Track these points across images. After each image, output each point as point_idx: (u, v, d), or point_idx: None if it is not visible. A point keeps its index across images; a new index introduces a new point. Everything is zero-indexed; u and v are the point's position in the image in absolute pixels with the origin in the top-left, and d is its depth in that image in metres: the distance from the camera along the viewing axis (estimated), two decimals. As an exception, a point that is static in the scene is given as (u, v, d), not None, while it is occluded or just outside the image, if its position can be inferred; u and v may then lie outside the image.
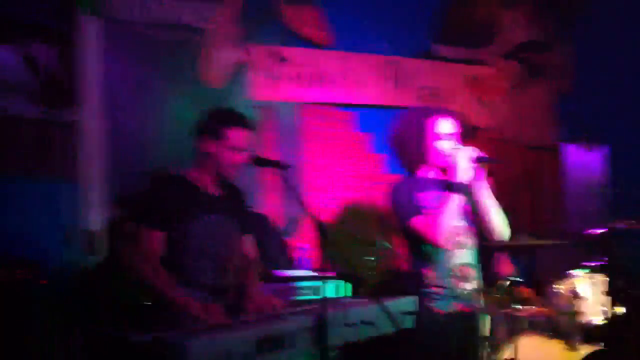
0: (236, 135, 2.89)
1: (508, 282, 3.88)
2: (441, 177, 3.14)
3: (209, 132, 2.90)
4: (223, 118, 2.93)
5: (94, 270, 4.00)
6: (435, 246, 2.99)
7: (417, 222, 2.96)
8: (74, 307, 3.89)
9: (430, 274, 3.04)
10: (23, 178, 3.95)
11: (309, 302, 3.37)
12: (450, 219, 2.95)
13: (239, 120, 2.93)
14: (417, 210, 2.98)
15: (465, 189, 3.00)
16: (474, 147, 3.05)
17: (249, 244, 3.12)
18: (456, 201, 2.96)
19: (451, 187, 2.98)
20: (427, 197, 3.06)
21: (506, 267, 4.40)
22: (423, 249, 3.04)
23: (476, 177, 3.08)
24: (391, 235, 4.44)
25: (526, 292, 3.96)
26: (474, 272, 3.14)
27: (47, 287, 3.66)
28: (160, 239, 2.82)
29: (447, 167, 3.04)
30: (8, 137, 3.94)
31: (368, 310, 2.71)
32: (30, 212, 3.89)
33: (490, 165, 3.15)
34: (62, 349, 3.84)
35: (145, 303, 3.45)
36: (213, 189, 2.96)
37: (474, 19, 5.88)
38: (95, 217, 4.13)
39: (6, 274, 3.47)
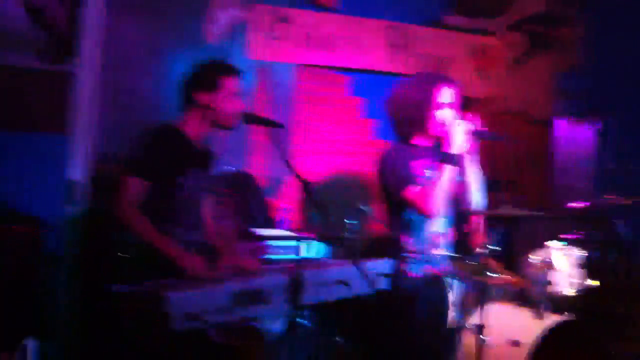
0: (233, 83, 2.95)
1: (482, 251, 3.99)
2: (431, 145, 3.21)
3: (204, 84, 2.94)
4: (219, 68, 2.99)
5: (76, 220, 4.09)
6: (426, 216, 3.08)
7: (411, 193, 3.03)
8: (70, 260, 4.00)
9: (408, 240, 3.15)
10: (17, 130, 3.97)
11: (286, 261, 3.49)
12: (443, 191, 3.03)
13: (233, 69, 3.00)
14: (411, 179, 3.06)
15: (459, 162, 3.07)
16: (472, 120, 3.11)
17: (209, 204, 3.16)
18: (450, 173, 3.03)
19: (447, 158, 3.04)
20: (420, 166, 3.14)
21: (480, 236, 4.51)
22: (405, 217, 3.13)
23: (469, 150, 3.15)
24: (372, 200, 4.52)
25: (494, 263, 4.07)
26: (447, 239, 3.26)
27: (45, 241, 3.71)
28: (141, 187, 2.83)
29: (444, 137, 3.09)
30: (5, 88, 3.97)
31: (344, 270, 2.82)
32: (24, 165, 3.89)
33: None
34: (62, 302, 3.96)
35: (123, 255, 3.55)
36: (198, 143, 3.00)
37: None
38: (81, 168, 4.18)
39: (4, 228, 3.50)
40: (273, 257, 4.03)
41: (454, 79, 5.40)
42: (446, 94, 3.14)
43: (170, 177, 2.89)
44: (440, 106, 3.12)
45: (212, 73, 2.96)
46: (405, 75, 5.08)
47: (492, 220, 4.33)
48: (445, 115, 3.12)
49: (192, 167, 2.96)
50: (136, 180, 2.83)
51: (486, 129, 3.13)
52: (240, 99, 2.98)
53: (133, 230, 2.82)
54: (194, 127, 2.97)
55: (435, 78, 3.19)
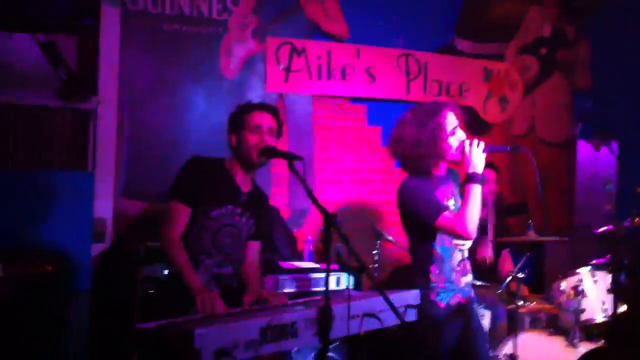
0: (254, 117, 3.02)
1: (511, 279, 3.93)
2: (445, 173, 3.19)
3: (233, 128, 3.06)
4: (242, 108, 3.09)
5: (102, 258, 4.08)
6: (465, 239, 3.05)
7: (446, 219, 2.99)
8: (94, 298, 3.99)
9: (437, 270, 3.10)
10: (41, 169, 4.00)
11: (314, 293, 3.45)
12: (477, 210, 3.00)
13: (255, 105, 3.09)
14: (443, 207, 3.02)
15: (483, 179, 3.04)
16: (481, 140, 3.09)
17: (256, 248, 3.21)
18: (478, 191, 3.00)
19: (472, 178, 3.01)
20: (443, 194, 3.12)
21: (508, 264, 4.46)
22: (432, 247, 3.09)
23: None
24: (392, 230, 4.49)
25: (525, 290, 4.01)
26: (470, 266, 3.21)
27: (71, 279, 3.72)
28: (187, 213, 2.94)
29: (462, 160, 3.07)
30: (26, 128, 4.00)
31: (372, 302, 2.77)
32: (51, 203, 3.92)
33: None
34: (85, 340, 3.94)
35: (149, 291, 3.53)
36: (243, 183, 3.08)
37: (498, 13, 5.87)
38: (106, 205, 4.20)
39: (34, 266, 3.51)
40: (298, 290, 4.00)
41: (468, 104, 5.51)
42: (452, 118, 3.12)
43: (206, 207, 2.96)
44: (451, 133, 3.10)
45: (237, 114, 3.08)
46: (415, 102, 5.16)
47: (518, 246, 4.29)
48: (458, 138, 3.10)
49: (229, 203, 3.01)
50: (182, 205, 2.94)
51: (494, 142, 3.10)
52: (263, 132, 3.00)
53: (170, 258, 2.89)
54: (236, 169, 3.07)
55: (437, 108, 3.15)
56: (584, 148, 6.22)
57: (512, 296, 3.86)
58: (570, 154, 6.20)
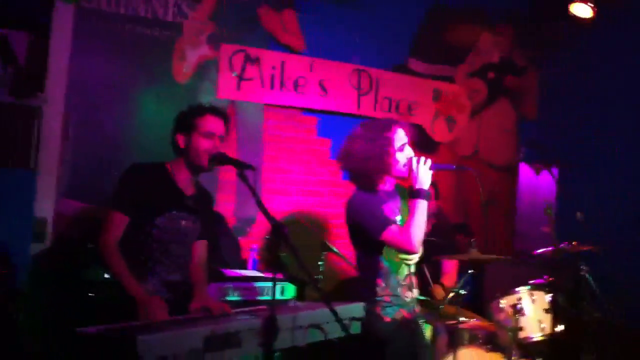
0: (207, 122, 2.97)
1: (452, 295, 3.99)
2: (393, 188, 3.23)
3: (182, 127, 3.00)
4: (194, 110, 3.03)
5: (42, 257, 3.97)
6: (409, 253, 3.07)
7: (392, 233, 3.02)
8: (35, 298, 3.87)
9: (382, 284, 3.12)
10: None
11: (258, 302, 3.43)
12: (422, 225, 3.03)
13: (209, 108, 3.03)
14: (389, 221, 3.05)
15: (428, 195, 3.08)
16: (427, 157, 3.14)
17: (204, 249, 3.18)
18: (424, 207, 3.04)
19: (417, 193, 3.05)
20: (390, 209, 3.15)
21: (450, 279, 4.53)
22: (379, 261, 3.11)
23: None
24: (338, 243, 4.50)
25: (464, 308, 4.06)
26: (416, 281, 3.25)
27: (11, 278, 3.61)
28: (124, 222, 2.88)
29: (409, 176, 3.11)
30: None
31: (317, 314, 2.77)
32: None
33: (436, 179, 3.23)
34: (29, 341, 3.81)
35: (89, 294, 3.45)
36: (187, 187, 3.03)
37: (452, 37, 5.99)
38: (47, 204, 4.08)
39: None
40: (242, 298, 3.97)
41: (417, 122, 5.60)
42: (401, 135, 3.17)
43: (149, 216, 2.91)
44: (399, 149, 3.14)
45: (188, 115, 3.02)
46: (366, 117, 5.21)
47: (462, 264, 4.37)
48: (406, 155, 3.15)
49: (172, 209, 2.97)
50: (119, 214, 2.88)
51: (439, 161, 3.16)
52: (215, 139, 2.97)
53: (107, 265, 2.84)
54: (179, 170, 3.01)
55: (387, 124, 3.19)
56: (525, 172, 6.40)
57: (454, 313, 3.91)
58: (513, 178, 6.37)
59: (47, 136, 4.08)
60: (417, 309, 3.28)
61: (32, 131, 4.00)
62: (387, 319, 3.11)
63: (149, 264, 2.92)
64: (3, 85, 3.89)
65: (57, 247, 4.03)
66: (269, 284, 4.08)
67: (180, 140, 2.98)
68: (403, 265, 3.17)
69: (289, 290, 4.20)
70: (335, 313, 2.61)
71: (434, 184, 4.61)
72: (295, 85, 5.16)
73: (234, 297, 4.05)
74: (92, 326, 2.36)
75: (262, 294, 4.00)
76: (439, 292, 4.52)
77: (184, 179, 3.02)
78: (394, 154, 3.12)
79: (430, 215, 4.62)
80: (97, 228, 2.91)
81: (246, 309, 2.97)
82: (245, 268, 4.52)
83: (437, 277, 4.61)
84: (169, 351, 2.23)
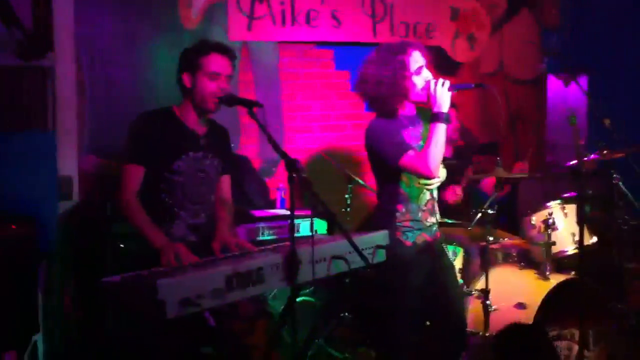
0: (212, 61, 2.88)
1: (480, 215, 3.96)
2: (415, 113, 3.16)
3: (187, 66, 2.91)
4: (197, 48, 2.93)
5: (70, 216, 4.04)
6: (427, 178, 3.02)
7: (410, 157, 2.96)
8: (64, 257, 3.96)
9: (403, 210, 3.11)
10: (1, 129, 3.91)
11: (282, 240, 3.45)
12: (441, 149, 2.97)
13: (212, 46, 2.92)
14: (407, 146, 3.00)
15: (448, 118, 3.01)
16: (449, 78, 3.06)
17: (226, 185, 3.16)
18: (443, 130, 2.97)
19: (437, 117, 2.97)
20: (410, 134, 3.09)
21: (452, 195, 4.46)
22: (399, 187, 3.09)
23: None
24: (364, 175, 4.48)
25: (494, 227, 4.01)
26: (436, 205, 3.22)
27: (38, 239, 3.65)
28: (141, 173, 2.86)
29: (428, 99, 3.03)
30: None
31: (339, 245, 2.77)
32: (13, 164, 3.84)
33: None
34: (56, 301, 3.92)
35: (121, 246, 3.51)
36: (197, 126, 2.98)
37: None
38: (71, 163, 4.12)
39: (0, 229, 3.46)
40: (276, 237, 4.00)
41: (436, 44, 5.45)
42: (417, 57, 3.08)
43: (165, 162, 2.88)
44: (416, 72, 3.06)
45: (193, 54, 2.92)
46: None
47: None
48: (423, 78, 3.06)
49: (188, 151, 2.93)
50: (133, 166, 2.86)
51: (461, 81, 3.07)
52: (221, 79, 2.90)
53: (129, 219, 2.83)
54: (187, 112, 2.95)
55: (401, 46, 3.10)
56: (553, 84, 6.22)
57: (484, 233, 3.89)
58: (540, 90, 6.20)
59: (61, 95, 4.08)
60: (439, 232, 3.26)
61: (46, 92, 4.01)
62: (408, 243, 3.10)
63: (173, 210, 2.91)
64: (10, 49, 3.88)
65: (84, 204, 4.09)
66: (299, 220, 4.09)
67: (186, 79, 2.90)
68: (424, 190, 3.13)
69: (320, 226, 4.21)
70: (352, 242, 2.61)
71: (453, 105, 4.55)
72: (307, 18, 5.04)
73: (266, 236, 4.09)
74: (117, 275, 2.41)
75: (294, 232, 4.02)
76: (451, 195, 4.44)
77: (193, 120, 2.96)
78: (410, 77, 3.04)
79: (454, 138, 4.56)
80: (116, 185, 2.90)
81: (269, 246, 2.99)
82: (273, 208, 4.54)
83: None
84: (191, 292, 2.26)
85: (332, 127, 5.21)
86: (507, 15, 6.02)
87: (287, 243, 2.66)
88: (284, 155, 2.59)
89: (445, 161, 3.14)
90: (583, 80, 5.94)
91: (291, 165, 2.54)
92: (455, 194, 4.42)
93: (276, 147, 2.63)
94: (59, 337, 3.89)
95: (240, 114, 4.63)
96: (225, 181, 3.16)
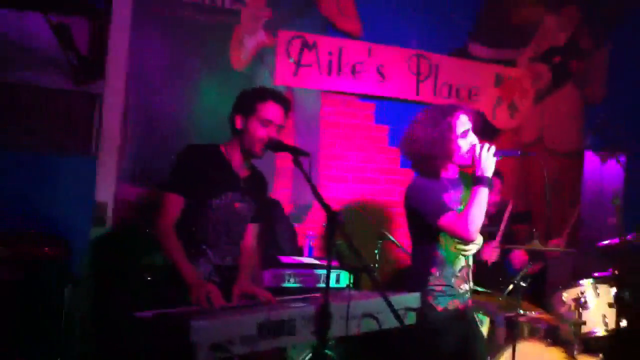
0: (266, 108, 2.93)
1: (513, 287, 3.89)
2: (457, 176, 3.16)
3: (241, 109, 2.97)
4: (255, 93, 2.99)
5: (101, 242, 4.06)
6: (465, 241, 3.00)
7: (449, 218, 2.95)
8: (93, 283, 3.96)
9: (437, 273, 3.07)
10: (45, 152, 3.97)
11: (313, 290, 3.41)
12: (481, 213, 2.95)
13: (270, 94, 2.98)
14: (447, 208, 2.98)
15: (490, 183, 3.00)
16: (492, 143, 3.05)
17: (255, 232, 3.18)
18: (485, 194, 2.96)
19: (478, 180, 2.97)
20: (451, 198, 3.08)
21: (489, 253, 4.38)
22: (435, 250, 3.06)
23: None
24: (395, 232, 4.44)
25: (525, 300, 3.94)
26: (471, 273, 3.18)
27: (70, 262, 3.68)
28: (180, 204, 2.88)
29: (472, 163, 3.03)
30: (32, 109, 3.97)
31: (372, 303, 2.74)
32: (52, 187, 3.90)
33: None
34: (83, 325, 3.91)
35: (148, 278, 3.49)
36: (241, 169, 3.02)
37: (514, 19, 5.82)
38: (108, 189, 4.16)
39: (34, 249, 3.48)
40: (300, 285, 3.97)
41: (477, 108, 5.47)
42: (464, 121, 3.08)
43: (203, 196, 2.90)
44: (462, 135, 3.06)
45: (250, 98, 2.98)
46: (425, 103, 5.12)
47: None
48: (469, 141, 3.06)
49: (228, 190, 2.95)
50: (175, 196, 2.88)
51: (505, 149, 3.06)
52: (272, 127, 2.94)
53: (163, 248, 2.84)
54: (233, 152, 2.99)
55: (449, 109, 3.12)
56: (590, 160, 6.18)
57: (514, 305, 3.82)
58: (578, 165, 6.16)
59: (107, 122, 4.15)
60: (471, 301, 3.21)
61: (93, 117, 4.09)
62: (440, 308, 3.05)
63: (202, 246, 2.93)
64: (64, 72, 3.97)
65: (117, 232, 4.10)
66: (324, 271, 4.06)
67: (238, 121, 2.95)
68: (460, 256, 3.10)
69: (344, 279, 4.17)
70: (389, 302, 2.57)
71: (499, 174, 4.52)
72: (353, 70, 5.10)
73: (291, 284, 4.05)
74: (148, 311, 2.39)
75: (319, 282, 3.98)
76: (488, 253, 4.37)
77: (238, 161, 3.00)
78: (456, 140, 3.04)
79: (491, 210, 4.52)
80: (156, 212, 2.91)
81: (300, 296, 2.96)
82: (301, 255, 4.52)
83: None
84: (222, 337, 2.24)
85: (367, 179, 5.20)
86: (551, 87, 6.03)
87: (318, 295, 2.64)
88: (326, 207, 2.57)
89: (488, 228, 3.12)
90: (621, 159, 5.89)
91: (333, 217, 2.53)
92: (492, 251, 4.35)
93: (319, 198, 2.62)
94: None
95: (277, 158, 4.65)
96: (255, 229, 3.17)
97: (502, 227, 4.24)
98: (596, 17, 6.09)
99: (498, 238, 4.45)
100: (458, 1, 5.50)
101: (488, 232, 3.88)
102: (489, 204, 4.40)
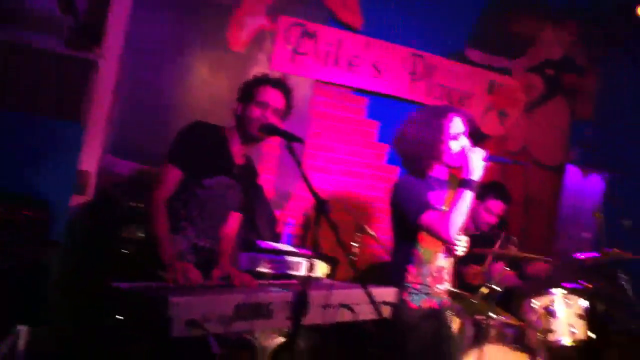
0: (263, 92, 2.97)
1: (484, 291, 3.95)
2: (446, 178, 3.19)
3: (242, 96, 3.01)
4: (256, 80, 3.03)
5: (81, 210, 4.04)
6: (444, 241, 3.03)
7: (430, 217, 2.98)
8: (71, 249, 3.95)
9: (413, 271, 3.10)
10: (34, 113, 3.94)
11: (288, 277, 3.43)
12: (463, 215, 2.97)
13: (269, 80, 3.02)
14: (430, 205, 3.01)
15: (477, 187, 3.02)
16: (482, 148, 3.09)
17: (236, 222, 3.20)
18: (469, 197, 2.99)
19: (466, 184, 3.00)
20: (437, 197, 3.10)
21: (474, 276, 4.40)
22: (414, 247, 3.09)
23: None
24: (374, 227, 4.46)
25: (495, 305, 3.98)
26: (449, 274, 3.22)
27: (48, 227, 3.67)
28: (179, 178, 2.89)
29: (461, 166, 3.05)
30: (25, 69, 3.93)
31: (349, 294, 2.77)
32: (37, 149, 3.87)
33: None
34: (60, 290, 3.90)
35: (123, 252, 3.49)
36: (238, 156, 3.05)
37: (513, 28, 5.87)
38: (93, 158, 4.15)
39: (11, 211, 3.47)
40: (272, 271, 3.98)
41: (465, 110, 5.50)
42: (457, 123, 3.12)
43: (198, 175, 2.92)
44: (454, 137, 3.09)
45: (249, 85, 3.02)
46: (417, 103, 5.14)
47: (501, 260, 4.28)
48: (460, 144, 3.10)
49: (221, 173, 2.98)
50: (175, 169, 2.89)
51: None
52: (268, 109, 2.96)
53: (150, 221, 2.83)
54: (233, 139, 3.03)
55: (443, 110, 3.16)
56: (572, 174, 6.25)
57: (484, 308, 3.87)
58: (559, 178, 6.22)
59: (99, 91, 4.13)
60: (447, 301, 3.25)
61: (86, 85, 4.06)
62: (413, 305, 3.09)
63: (183, 223, 2.93)
64: (61, 36, 3.93)
65: (97, 202, 4.09)
66: (300, 259, 4.08)
67: (239, 108, 3.00)
68: (438, 256, 3.13)
69: (320, 268, 4.20)
70: (370, 294, 2.60)
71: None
72: (349, 63, 5.11)
73: (264, 269, 4.07)
74: (123, 282, 2.40)
75: (292, 269, 4.00)
76: (472, 273, 4.40)
77: (237, 147, 3.03)
78: (446, 141, 3.08)
79: (486, 225, 4.53)
80: (151, 182, 2.91)
81: (278, 281, 2.98)
82: (278, 241, 4.54)
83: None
84: (200, 316, 2.25)
85: (351, 172, 5.22)
86: (542, 99, 6.09)
87: (296, 282, 2.66)
88: (316, 195, 2.59)
89: (472, 235, 3.15)
90: (603, 176, 5.99)
91: (321, 206, 2.55)
92: (477, 276, 4.37)
93: (309, 186, 2.64)
94: (50, 329, 3.86)
95: (262, 143, 4.64)
96: (237, 218, 3.19)
97: (491, 252, 4.25)
98: (594, 36, 6.15)
99: (486, 263, 4.49)
100: (459, 5, 5.53)
101: (476, 256, 3.92)
102: (483, 223, 4.51)
